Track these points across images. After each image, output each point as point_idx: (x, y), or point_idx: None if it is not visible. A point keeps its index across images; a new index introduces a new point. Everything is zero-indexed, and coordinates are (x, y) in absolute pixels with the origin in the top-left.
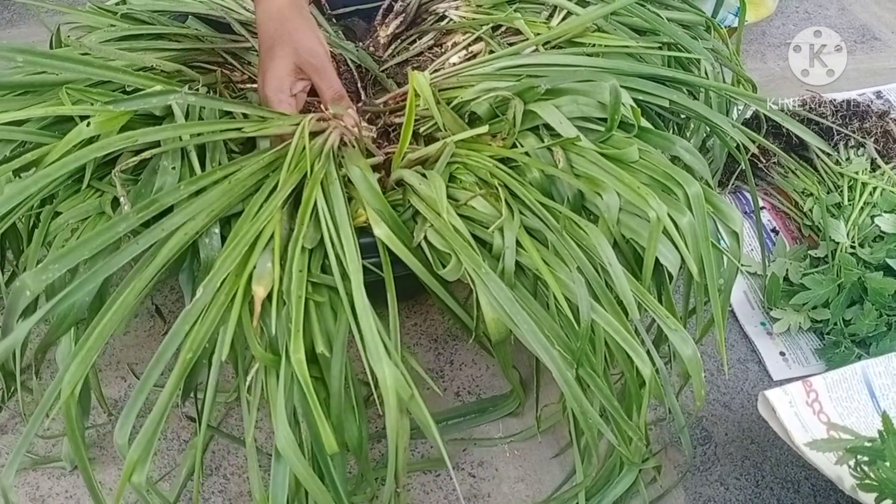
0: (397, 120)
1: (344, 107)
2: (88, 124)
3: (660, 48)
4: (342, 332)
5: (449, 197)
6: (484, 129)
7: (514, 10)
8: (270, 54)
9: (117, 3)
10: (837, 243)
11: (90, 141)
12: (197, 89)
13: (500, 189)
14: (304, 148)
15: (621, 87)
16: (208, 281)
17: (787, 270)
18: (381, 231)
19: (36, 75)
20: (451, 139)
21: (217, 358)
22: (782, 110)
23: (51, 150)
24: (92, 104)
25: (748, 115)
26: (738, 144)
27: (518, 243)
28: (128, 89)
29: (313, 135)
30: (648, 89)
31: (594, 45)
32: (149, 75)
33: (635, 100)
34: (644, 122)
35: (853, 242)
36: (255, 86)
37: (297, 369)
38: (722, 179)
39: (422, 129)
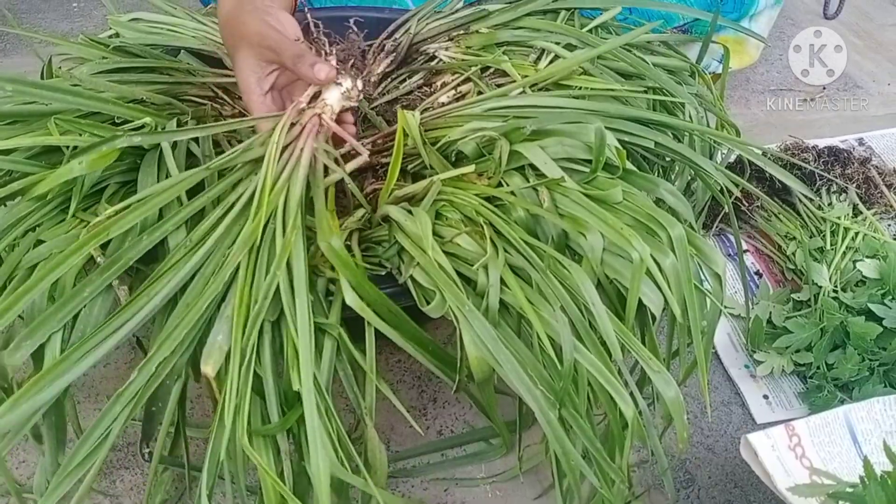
0: (384, 160)
1: (307, 63)
2: (81, 162)
3: (645, 92)
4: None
5: (434, 234)
6: (470, 168)
7: (503, 53)
8: (233, 65)
9: (110, 36)
10: (820, 287)
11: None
12: (186, 122)
13: (485, 227)
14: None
15: (607, 128)
16: (144, 364)
17: (770, 313)
18: (352, 299)
19: (25, 105)
20: (438, 177)
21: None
22: (765, 155)
23: (38, 181)
24: (80, 135)
25: (732, 159)
26: (721, 188)
27: (502, 281)
28: (117, 121)
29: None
30: (633, 131)
31: (580, 88)
32: (139, 108)
33: (620, 141)
34: (629, 165)
35: (836, 287)
36: (245, 119)
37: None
38: (706, 222)
39: (409, 167)
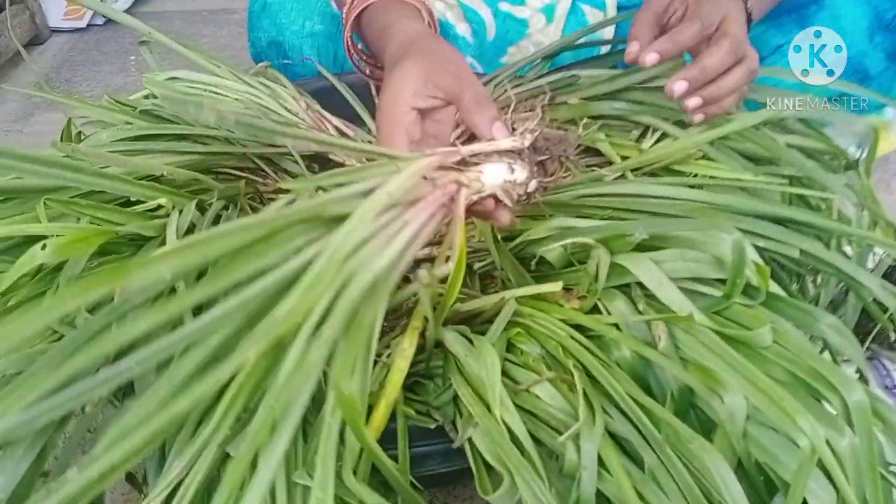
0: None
1: (488, 114)
2: (45, 247)
3: (783, 182)
4: None
5: (504, 374)
6: (557, 286)
7: (598, 129)
8: (392, 68)
9: (146, 97)
10: None
11: (55, 269)
12: (210, 203)
13: (575, 372)
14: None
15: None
16: None
17: None
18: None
19: (16, 179)
20: (512, 294)
21: None
22: None
23: None
24: (78, 220)
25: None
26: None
27: (600, 460)
28: (132, 200)
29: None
30: (772, 234)
31: (696, 175)
32: (153, 185)
33: (756, 248)
34: (773, 286)
35: None
36: (286, 196)
37: None
38: None
39: (476, 266)
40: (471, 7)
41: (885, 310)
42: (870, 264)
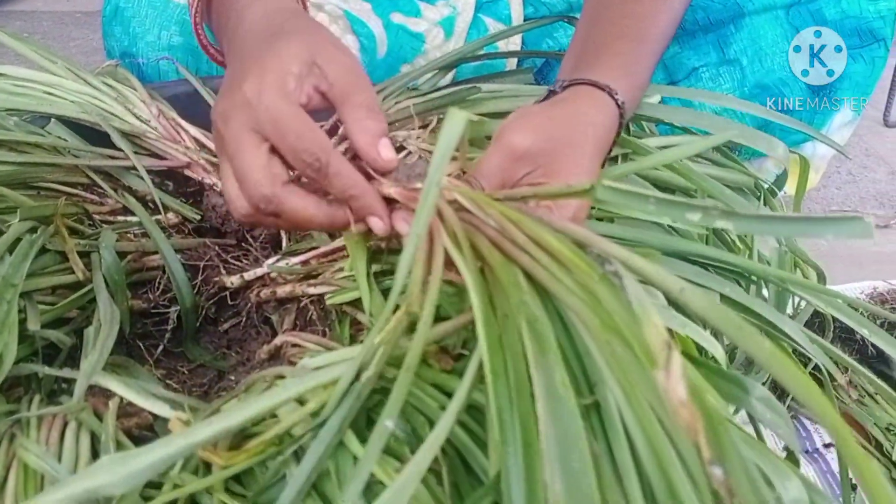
0: (312, 290)
1: (378, 131)
2: None
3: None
4: None
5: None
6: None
7: None
8: (259, 49)
9: None
10: None
11: None
12: (10, 225)
13: (444, 462)
14: None
15: None
16: None
17: None
18: None
19: None
20: (369, 375)
21: None
22: (857, 310)
23: None
24: None
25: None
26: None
27: None
28: None
29: None
30: (691, 277)
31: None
32: None
33: None
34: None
35: None
36: (125, 218)
37: None
38: None
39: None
40: (359, 18)
41: (804, 362)
42: (788, 310)
